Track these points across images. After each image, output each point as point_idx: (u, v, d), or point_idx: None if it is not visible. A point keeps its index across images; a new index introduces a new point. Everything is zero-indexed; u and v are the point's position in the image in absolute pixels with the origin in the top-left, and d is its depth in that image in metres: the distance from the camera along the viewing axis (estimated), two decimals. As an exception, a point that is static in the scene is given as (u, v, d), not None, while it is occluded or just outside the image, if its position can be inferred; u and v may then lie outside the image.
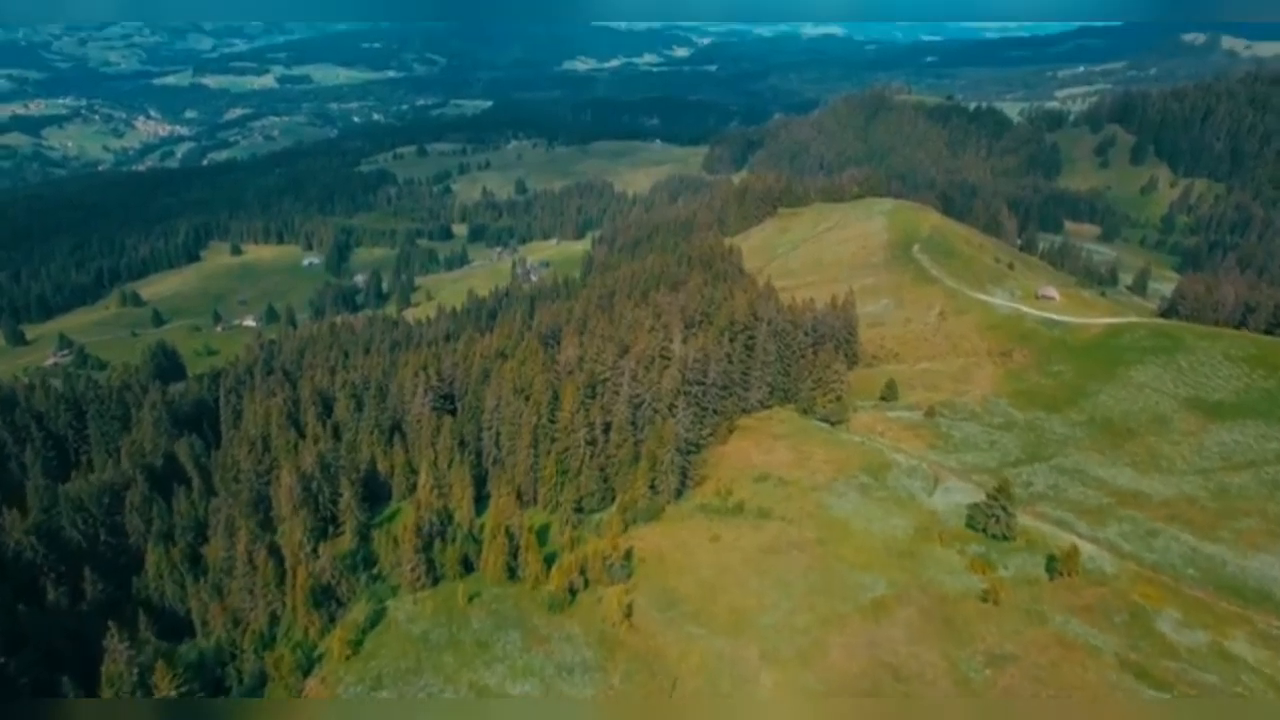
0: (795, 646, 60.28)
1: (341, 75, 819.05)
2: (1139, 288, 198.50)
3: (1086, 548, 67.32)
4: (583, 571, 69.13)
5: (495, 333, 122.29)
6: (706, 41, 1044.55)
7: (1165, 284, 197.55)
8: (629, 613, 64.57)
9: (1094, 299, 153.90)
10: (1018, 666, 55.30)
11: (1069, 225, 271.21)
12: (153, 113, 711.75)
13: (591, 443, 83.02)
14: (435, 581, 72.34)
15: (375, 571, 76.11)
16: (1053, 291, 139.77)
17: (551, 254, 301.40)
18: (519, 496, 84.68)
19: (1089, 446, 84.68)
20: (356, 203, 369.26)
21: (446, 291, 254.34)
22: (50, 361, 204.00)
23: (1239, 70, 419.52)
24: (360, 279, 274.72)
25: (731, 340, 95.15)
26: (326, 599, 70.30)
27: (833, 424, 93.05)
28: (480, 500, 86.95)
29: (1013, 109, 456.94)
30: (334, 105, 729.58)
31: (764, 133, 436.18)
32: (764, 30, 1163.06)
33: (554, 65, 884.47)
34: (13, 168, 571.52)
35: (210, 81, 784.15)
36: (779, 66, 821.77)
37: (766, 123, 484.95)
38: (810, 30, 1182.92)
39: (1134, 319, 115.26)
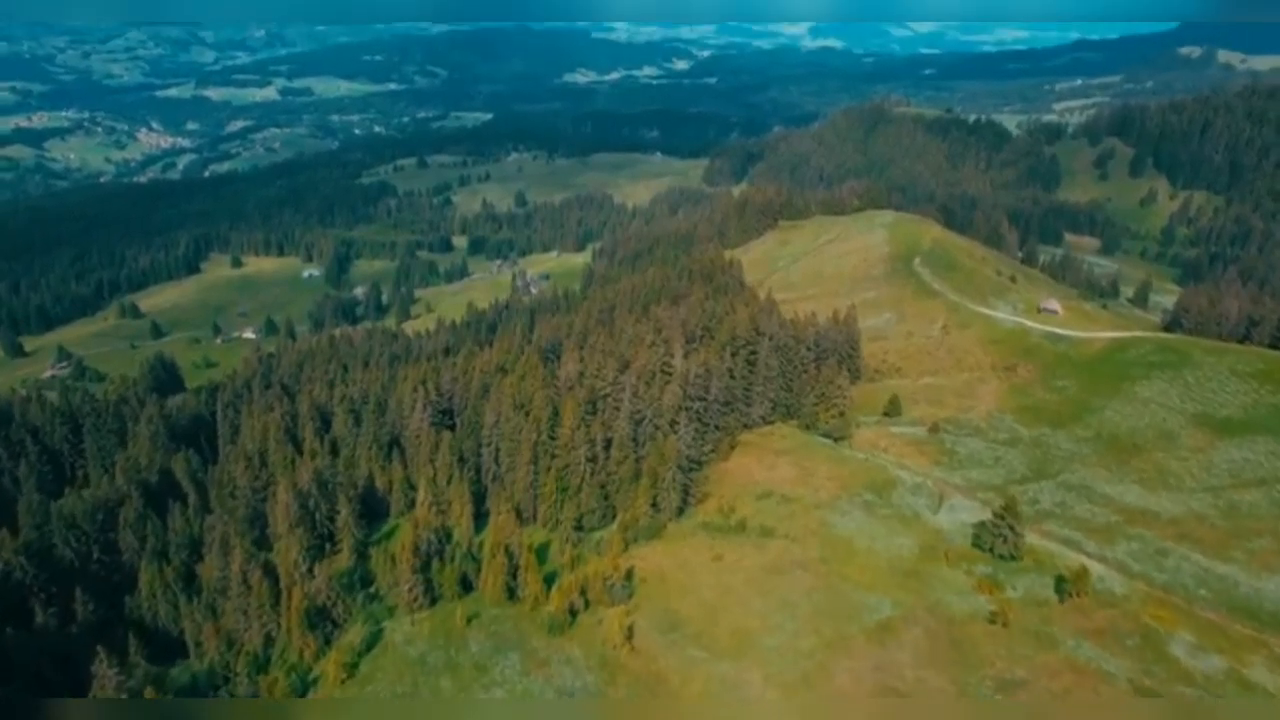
0: (799, 670, 59.04)
1: (343, 87, 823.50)
2: (1140, 300, 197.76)
3: (1095, 567, 66.20)
4: (583, 592, 67.95)
5: (495, 347, 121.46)
6: (706, 54, 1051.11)
7: (1167, 296, 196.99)
8: (630, 635, 63.33)
9: (1096, 312, 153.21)
10: (1029, 692, 54.07)
11: (1069, 238, 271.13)
12: (155, 125, 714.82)
13: (592, 459, 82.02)
14: (433, 602, 71.13)
15: (372, 591, 74.91)
16: (1055, 305, 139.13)
17: (551, 266, 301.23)
18: (518, 514, 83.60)
19: (1095, 463, 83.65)
20: (357, 214, 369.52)
21: (446, 304, 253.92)
22: (48, 374, 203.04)
23: (1236, 84, 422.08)
24: (360, 291, 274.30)
25: (733, 355, 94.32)
26: (322, 620, 69.03)
27: (836, 440, 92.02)
28: (479, 517, 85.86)
29: (1011, 121, 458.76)
30: (335, 117, 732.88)
31: (764, 145, 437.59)
32: (763, 43, 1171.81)
33: (554, 78, 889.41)
34: (15, 179, 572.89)
35: (212, 94, 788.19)
36: (778, 79, 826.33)
37: (766, 135, 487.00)
38: (809, 43, 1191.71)
39: (1139, 333, 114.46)
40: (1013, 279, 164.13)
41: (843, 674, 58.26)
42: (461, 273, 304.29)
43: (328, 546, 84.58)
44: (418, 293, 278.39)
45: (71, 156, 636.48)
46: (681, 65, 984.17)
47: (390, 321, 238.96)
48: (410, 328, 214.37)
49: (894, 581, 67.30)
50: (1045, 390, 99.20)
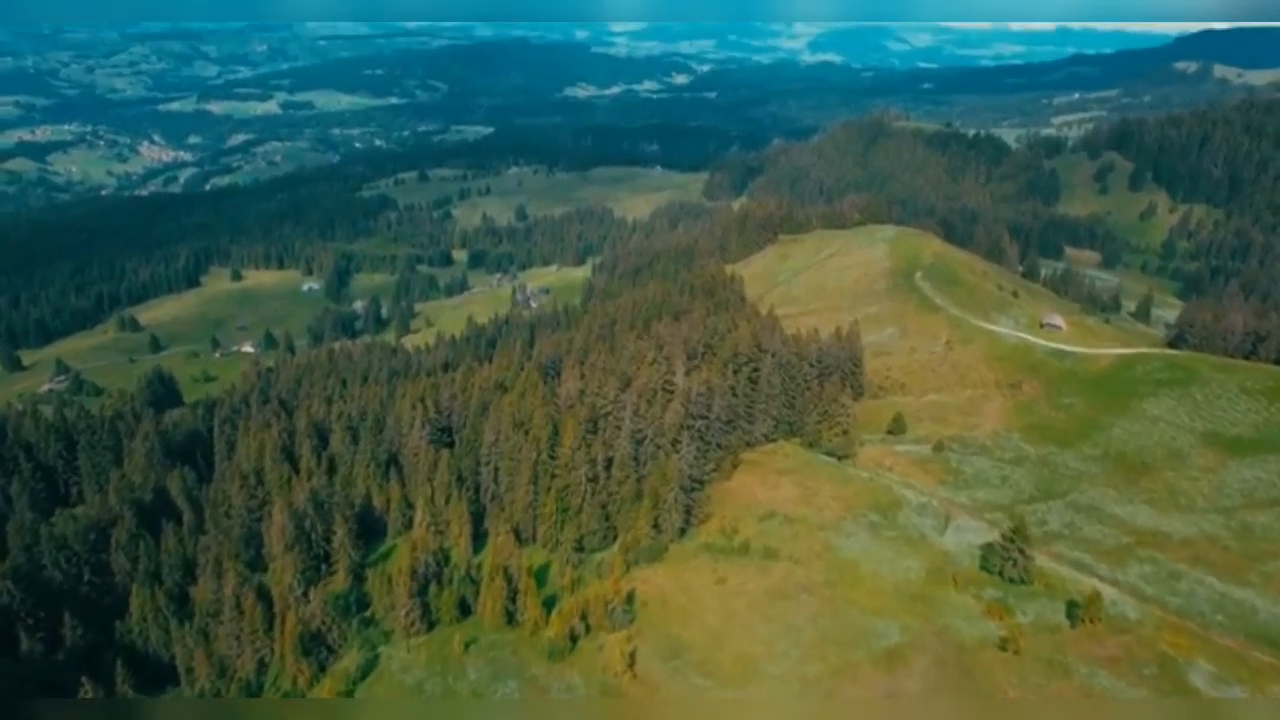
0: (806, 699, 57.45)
1: (344, 101, 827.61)
2: (1143, 314, 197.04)
3: (1107, 591, 64.76)
4: (584, 617, 66.51)
5: (495, 363, 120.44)
6: (705, 69, 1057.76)
7: (1169, 310, 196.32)
8: (632, 662, 61.85)
9: (1099, 327, 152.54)
10: (1042, 723, 52.55)
11: (1069, 251, 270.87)
12: (157, 138, 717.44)
13: (593, 479, 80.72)
14: (430, 626, 69.65)
15: (368, 615, 73.37)
16: (1058, 320, 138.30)
17: (551, 280, 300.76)
18: (518, 535, 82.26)
19: (1104, 483, 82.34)
20: (357, 228, 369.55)
21: (446, 318, 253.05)
22: (45, 388, 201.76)
23: (1233, 97, 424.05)
24: (359, 305, 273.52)
25: (735, 373, 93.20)
26: (316, 645, 67.46)
27: (839, 458, 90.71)
28: (478, 538, 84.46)
29: (1010, 135, 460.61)
30: (336, 131, 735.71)
31: (764, 159, 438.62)
32: (762, 58, 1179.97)
33: (554, 92, 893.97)
34: (17, 193, 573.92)
35: (214, 107, 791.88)
36: (778, 93, 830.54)
37: (766, 149, 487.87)
38: (808, 58, 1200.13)
39: (1145, 349, 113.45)
40: (1015, 293, 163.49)
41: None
42: (461, 286, 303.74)
43: (324, 568, 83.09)
44: (417, 306, 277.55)
45: (73, 170, 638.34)
46: (681, 79, 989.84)
47: (390, 335, 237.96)
48: (410, 342, 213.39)
49: (901, 606, 65.84)
50: (1051, 408, 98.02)
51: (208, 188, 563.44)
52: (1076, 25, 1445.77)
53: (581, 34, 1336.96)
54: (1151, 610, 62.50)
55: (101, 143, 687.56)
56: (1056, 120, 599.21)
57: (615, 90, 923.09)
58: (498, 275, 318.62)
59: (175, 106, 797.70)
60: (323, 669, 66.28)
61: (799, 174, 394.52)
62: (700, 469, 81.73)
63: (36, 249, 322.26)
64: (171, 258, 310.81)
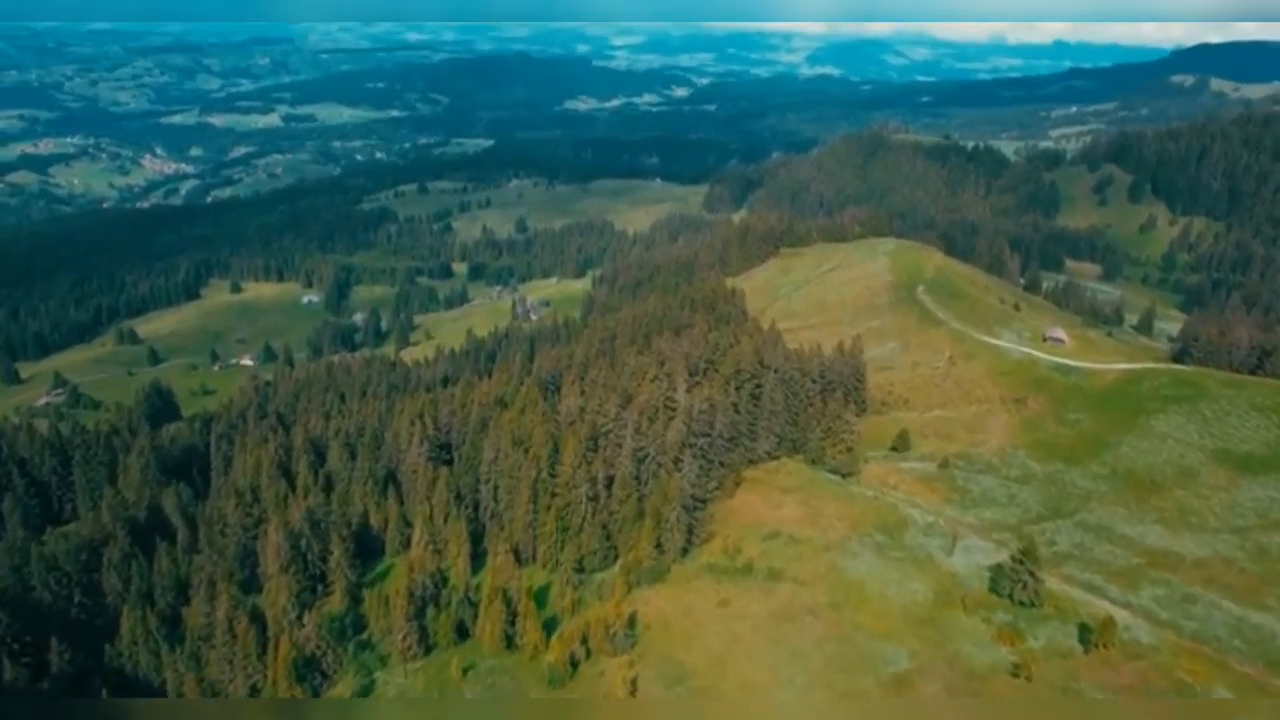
0: (814, 728, 55.93)
1: (345, 114, 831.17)
2: (1145, 328, 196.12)
3: (1120, 614, 63.24)
4: (584, 640, 65.08)
5: (494, 378, 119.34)
6: (705, 82, 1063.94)
7: (1171, 323, 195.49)
8: (634, 689, 60.30)
9: (1102, 340, 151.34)
10: (1057, 755, 50.98)
11: (1070, 264, 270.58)
12: (159, 151, 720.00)
13: (593, 498, 79.46)
14: (428, 650, 68.18)
15: (364, 638, 71.87)
16: (1061, 334, 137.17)
17: (551, 293, 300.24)
18: (517, 554, 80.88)
19: (1113, 501, 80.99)
20: (357, 240, 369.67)
21: (446, 330, 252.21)
22: (43, 401, 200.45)
23: (1230, 111, 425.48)
24: (359, 317, 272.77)
25: (738, 389, 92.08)
26: (311, 671, 65.92)
27: (843, 476, 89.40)
28: (477, 557, 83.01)
29: (1008, 148, 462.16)
30: (337, 143, 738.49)
31: (763, 171, 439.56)
32: (761, 71, 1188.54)
33: (554, 105, 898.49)
34: (20, 205, 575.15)
35: (216, 120, 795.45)
36: (776, 106, 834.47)
37: (766, 161, 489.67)
38: (806, 71, 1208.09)
39: (1151, 364, 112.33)
40: (1017, 307, 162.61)
41: (859, 732, 55.17)
42: (461, 299, 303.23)
43: (319, 588, 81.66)
44: (417, 319, 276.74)
45: (76, 182, 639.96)
46: (681, 92, 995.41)
47: (389, 348, 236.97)
48: (409, 355, 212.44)
49: (909, 630, 64.34)
50: (1058, 424, 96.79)
51: (209, 200, 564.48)
52: (1073, 39, 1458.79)
53: (582, 48, 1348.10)
54: (1166, 635, 61.03)
55: (104, 155, 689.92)
56: (1054, 133, 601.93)
57: (615, 103, 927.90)
58: (498, 288, 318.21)
59: (177, 119, 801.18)
60: (317, 695, 64.75)
61: (799, 187, 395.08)
62: (703, 487, 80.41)
63: (36, 261, 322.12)
64: (171, 270, 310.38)
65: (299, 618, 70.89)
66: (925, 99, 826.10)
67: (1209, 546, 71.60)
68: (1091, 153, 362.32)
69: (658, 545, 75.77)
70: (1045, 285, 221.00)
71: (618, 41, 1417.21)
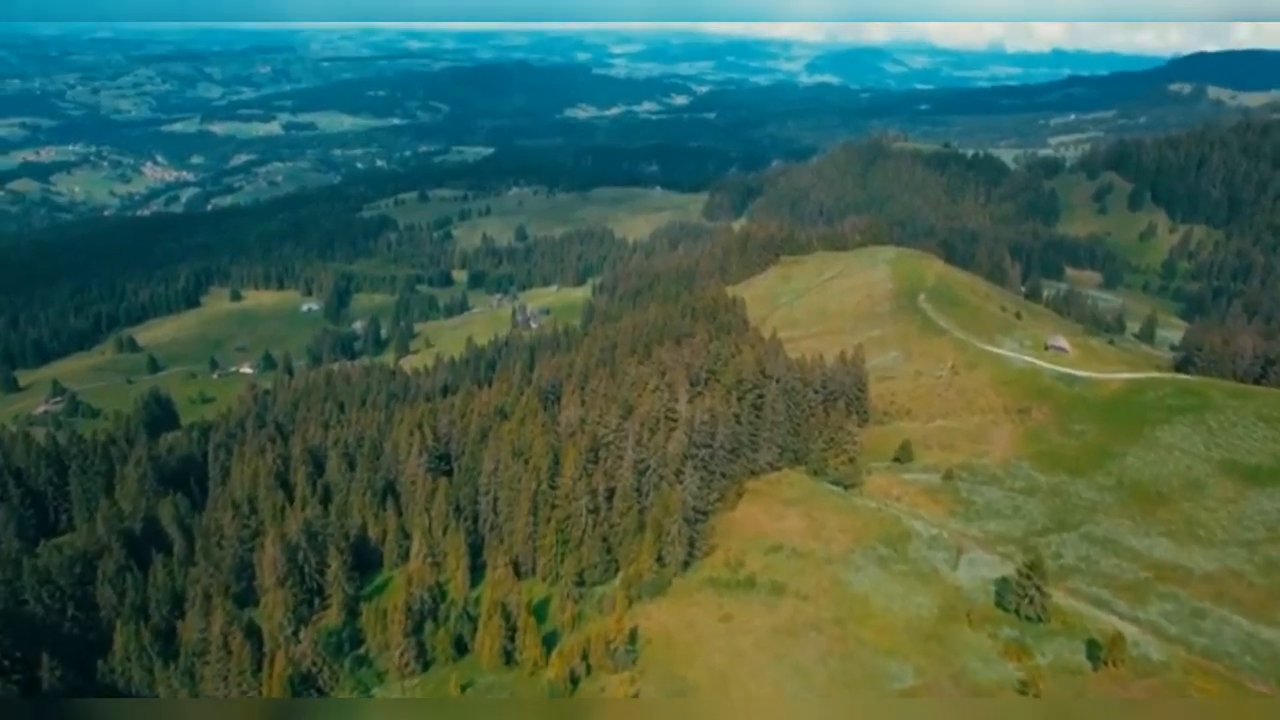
0: (818, 747, 54.97)
1: (346, 122, 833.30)
2: (1146, 336, 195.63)
3: (1128, 630, 62.40)
4: (585, 656, 64.14)
5: (494, 387, 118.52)
6: (705, 90, 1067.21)
7: (1172, 331, 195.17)
8: (635, 706, 59.33)
9: (1104, 348, 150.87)
10: (1067, 775, 50.02)
11: (1070, 272, 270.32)
12: (160, 158, 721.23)
13: (594, 510, 78.65)
14: (425, 666, 67.25)
15: (361, 653, 70.91)
16: (1064, 342, 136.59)
17: (552, 301, 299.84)
18: (516, 567, 79.98)
19: (1119, 513, 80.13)
20: (357, 248, 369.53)
21: (446, 338, 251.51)
22: (41, 409, 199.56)
23: (1228, 119, 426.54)
24: (359, 325, 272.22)
25: (739, 400, 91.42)
26: (307, 688, 64.91)
27: (846, 487, 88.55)
28: (476, 570, 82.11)
29: (1008, 156, 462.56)
30: (338, 151, 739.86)
31: (763, 179, 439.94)
32: (760, 79, 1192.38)
33: (554, 113, 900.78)
34: (21, 213, 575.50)
35: (217, 128, 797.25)
36: (776, 114, 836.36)
37: (765, 169, 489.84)
38: (806, 79, 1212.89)
39: (1154, 374, 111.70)
40: (1018, 315, 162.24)
41: (864, 752, 54.19)
42: (461, 307, 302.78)
43: (316, 601, 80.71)
44: (417, 327, 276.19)
45: (77, 190, 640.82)
46: (680, 101, 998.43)
47: (389, 356, 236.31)
48: (409, 363, 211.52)
49: (914, 645, 63.44)
50: (1062, 435, 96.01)
51: (209, 208, 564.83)
52: (1071, 48, 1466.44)
53: (582, 56, 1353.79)
54: (1176, 651, 60.12)
55: (105, 163, 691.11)
56: (1053, 141, 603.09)
57: (615, 111, 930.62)
58: (498, 296, 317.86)
59: (179, 127, 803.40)
60: (313, 712, 63.68)
61: (799, 195, 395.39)
62: (704, 499, 79.65)
63: (37, 269, 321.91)
64: (171, 278, 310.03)
65: (295, 633, 69.93)
66: (924, 107, 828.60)
67: (1217, 560, 70.74)
68: (1091, 161, 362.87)
69: (659, 558, 74.94)
70: (1046, 293, 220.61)
71: (617, 50, 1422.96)
